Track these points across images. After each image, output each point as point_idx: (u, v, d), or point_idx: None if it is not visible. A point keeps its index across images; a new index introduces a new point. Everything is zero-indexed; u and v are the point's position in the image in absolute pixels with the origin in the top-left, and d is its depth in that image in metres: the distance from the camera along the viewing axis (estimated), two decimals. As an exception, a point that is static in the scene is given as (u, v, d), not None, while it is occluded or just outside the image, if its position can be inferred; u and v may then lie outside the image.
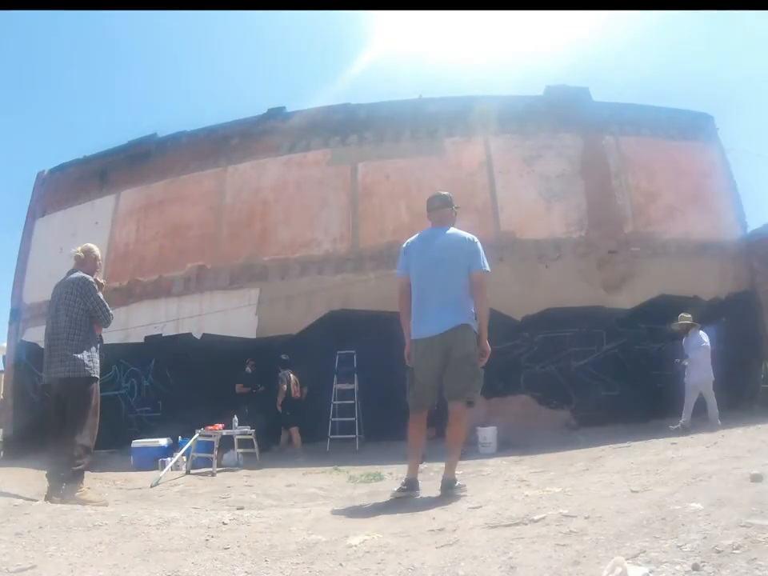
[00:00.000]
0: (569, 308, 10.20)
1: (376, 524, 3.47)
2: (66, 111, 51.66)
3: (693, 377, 8.24)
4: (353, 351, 10.19)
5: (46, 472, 4.59)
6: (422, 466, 6.81)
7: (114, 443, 10.66)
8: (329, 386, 10.02)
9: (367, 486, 5.46)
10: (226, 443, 8.44)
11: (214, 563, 2.74)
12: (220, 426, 8.20)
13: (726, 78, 40.11)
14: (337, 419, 9.79)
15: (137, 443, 8.58)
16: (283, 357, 9.72)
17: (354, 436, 9.51)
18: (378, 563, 2.61)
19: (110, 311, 5.01)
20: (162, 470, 7.47)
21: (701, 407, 8.38)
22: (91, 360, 4.72)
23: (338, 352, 10.26)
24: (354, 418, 9.64)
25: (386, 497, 4.33)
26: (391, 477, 6.05)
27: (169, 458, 7.72)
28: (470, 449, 7.97)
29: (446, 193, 4.42)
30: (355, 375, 9.98)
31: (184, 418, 10.51)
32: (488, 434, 8.47)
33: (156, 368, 11.47)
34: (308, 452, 8.92)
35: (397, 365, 9.70)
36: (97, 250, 5.25)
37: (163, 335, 11.59)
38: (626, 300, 10.50)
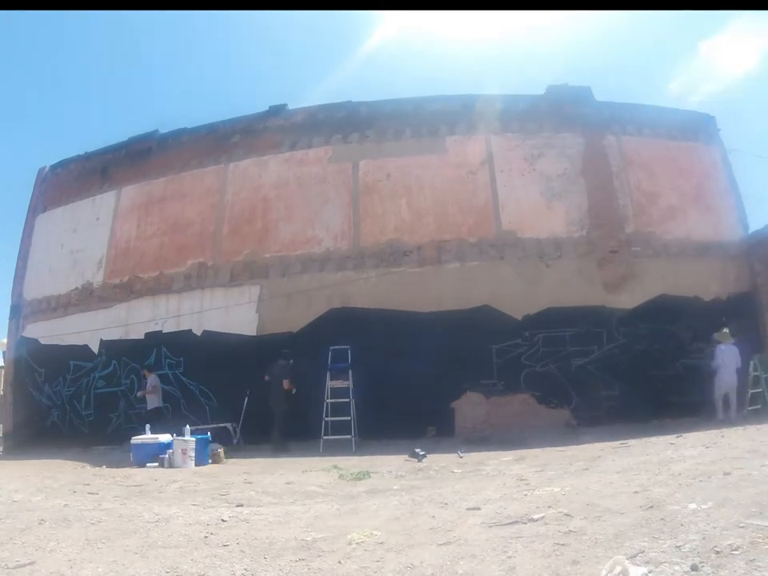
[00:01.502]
0: (569, 307, 10.18)
1: (375, 522, 3.47)
2: (67, 107, 51.63)
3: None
4: (347, 346, 9.81)
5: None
6: (421, 465, 6.83)
7: (114, 439, 10.68)
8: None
9: (366, 484, 5.46)
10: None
11: (213, 560, 2.74)
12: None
13: (728, 78, 39.97)
14: (330, 419, 9.27)
15: (136, 440, 8.56)
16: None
17: (349, 436, 9.01)
18: (377, 561, 2.62)
19: None
20: (162, 466, 7.50)
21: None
22: None
23: (331, 347, 9.85)
24: (349, 417, 9.15)
25: (385, 495, 4.33)
26: (390, 474, 6.04)
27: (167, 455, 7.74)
28: None
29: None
30: (350, 372, 9.54)
31: (184, 414, 10.54)
32: None
33: (156, 364, 11.47)
34: (301, 451, 8.85)
35: (397, 363, 9.79)
36: None
37: (163, 332, 11.59)
38: (627, 300, 10.48)
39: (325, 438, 9.07)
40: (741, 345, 9.38)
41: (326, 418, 9.26)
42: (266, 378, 9.68)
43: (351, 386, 9.46)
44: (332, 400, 9.45)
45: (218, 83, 49.83)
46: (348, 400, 9.35)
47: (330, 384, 9.60)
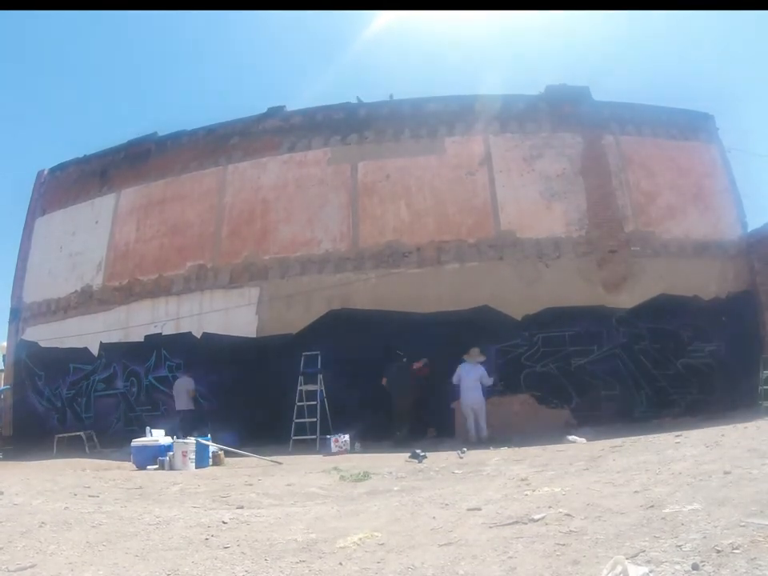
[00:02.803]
0: (569, 307, 10.18)
1: (376, 523, 3.47)
2: (66, 110, 51.64)
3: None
4: (317, 352, 10.10)
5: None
6: (422, 465, 6.83)
7: (114, 442, 10.67)
8: (325, 383, 10.08)
9: (366, 485, 5.46)
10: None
11: (213, 562, 2.74)
12: None
13: (727, 77, 40.02)
14: (298, 420, 9.66)
15: (137, 442, 8.56)
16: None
17: (314, 437, 9.38)
18: (378, 562, 2.62)
19: None
20: (162, 468, 7.50)
21: None
22: None
23: (303, 353, 10.14)
24: (315, 419, 9.57)
25: (386, 496, 4.33)
26: (391, 476, 6.04)
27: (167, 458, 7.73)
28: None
29: None
30: (319, 377, 9.90)
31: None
32: None
33: (156, 367, 11.48)
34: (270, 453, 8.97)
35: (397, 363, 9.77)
36: None
37: (163, 334, 11.59)
38: (627, 299, 10.48)
39: (294, 438, 9.51)
40: (487, 365, 9.35)
41: (295, 420, 9.66)
42: (384, 381, 9.67)
43: (321, 389, 9.85)
44: (304, 403, 9.78)
45: (216, 85, 49.87)
46: (316, 403, 9.67)
47: (302, 388, 9.94)
